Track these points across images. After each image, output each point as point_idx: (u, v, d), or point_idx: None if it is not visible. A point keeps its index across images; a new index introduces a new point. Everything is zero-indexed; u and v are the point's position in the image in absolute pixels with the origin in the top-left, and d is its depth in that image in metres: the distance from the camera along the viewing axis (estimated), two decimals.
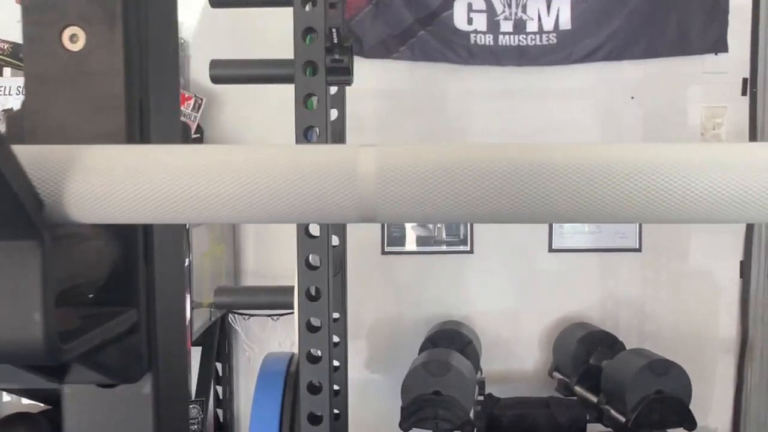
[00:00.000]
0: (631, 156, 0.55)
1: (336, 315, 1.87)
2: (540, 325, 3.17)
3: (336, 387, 1.87)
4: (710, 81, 3.06)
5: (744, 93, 3.06)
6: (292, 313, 2.77)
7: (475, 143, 0.61)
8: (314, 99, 1.43)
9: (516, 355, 3.18)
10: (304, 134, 1.43)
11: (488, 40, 3.05)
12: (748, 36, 3.04)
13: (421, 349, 2.85)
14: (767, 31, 3.05)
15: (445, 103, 3.10)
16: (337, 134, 1.81)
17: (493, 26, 3.05)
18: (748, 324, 3.12)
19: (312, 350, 1.50)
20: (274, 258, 3.13)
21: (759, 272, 3.09)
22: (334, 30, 1.35)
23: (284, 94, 3.05)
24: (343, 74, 1.42)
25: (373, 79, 3.09)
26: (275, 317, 2.92)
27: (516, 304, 3.17)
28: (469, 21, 3.05)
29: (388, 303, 3.15)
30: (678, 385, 2.43)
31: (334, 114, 1.81)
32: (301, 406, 1.50)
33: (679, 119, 3.09)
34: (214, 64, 1.76)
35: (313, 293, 1.48)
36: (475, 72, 3.07)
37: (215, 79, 1.80)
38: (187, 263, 2.37)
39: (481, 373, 3.00)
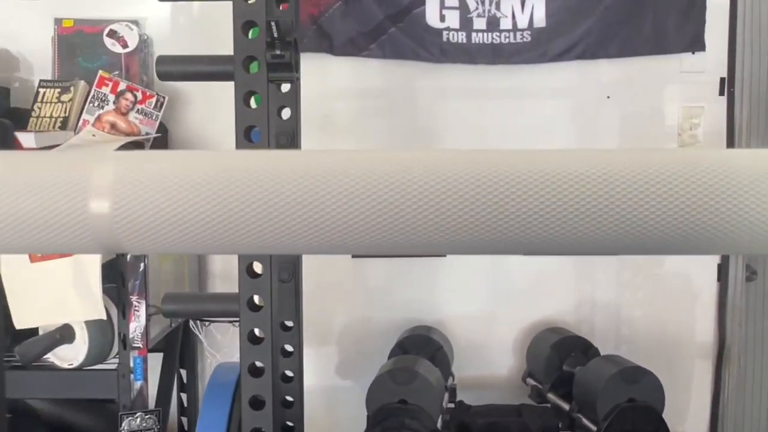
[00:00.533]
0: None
1: (290, 323, 1.79)
2: (514, 330, 3.10)
3: (290, 398, 1.79)
4: (687, 80, 3.00)
5: (722, 93, 3.00)
6: None
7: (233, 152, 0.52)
8: (256, 97, 1.34)
9: (490, 360, 3.11)
10: (245, 135, 1.35)
11: (461, 37, 2.98)
12: (725, 35, 2.98)
13: (391, 355, 2.78)
14: (745, 29, 2.99)
15: (417, 102, 3.03)
16: (290, 134, 1.73)
17: (466, 23, 2.98)
18: (726, 328, 3.06)
19: (255, 362, 1.41)
20: None
21: (736, 275, 3.03)
22: (273, 23, 1.27)
23: None
24: (285, 70, 1.34)
25: (343, 78, 3.02)
26: (236, 323, 2.82)
27: (489, 309, 3.10)
28: (442, 18, 2.97)
29: (359, 308, 3.07)
30: (651, 393, 2.36)
31: (287, 113, 1.73)
32: (243, 422, 1.42)
33: (655, 119, 3.03)
34: (161, 60, 1.68)
35: (256, 302, 1.40)
36: (448, 70, 2.99)
37: (161, 76, 1.72)
38: (142, 267, 2.28)
39: (453, 380, 2.93)
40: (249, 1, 1.33)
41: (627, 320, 3.09)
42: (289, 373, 1.80)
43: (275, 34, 1.28)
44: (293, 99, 1.72)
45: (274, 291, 1.40)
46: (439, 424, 2.43)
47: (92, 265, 2.11)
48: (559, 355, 2.76)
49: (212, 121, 3.00)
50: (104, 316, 2.13)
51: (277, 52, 1.30)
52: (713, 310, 3.07)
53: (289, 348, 1.80)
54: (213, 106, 2.99)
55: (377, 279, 3.07)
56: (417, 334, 2.84)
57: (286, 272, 1.79)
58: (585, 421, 2.44)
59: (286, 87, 1.74)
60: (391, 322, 3.02)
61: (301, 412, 1.85)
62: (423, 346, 2.77)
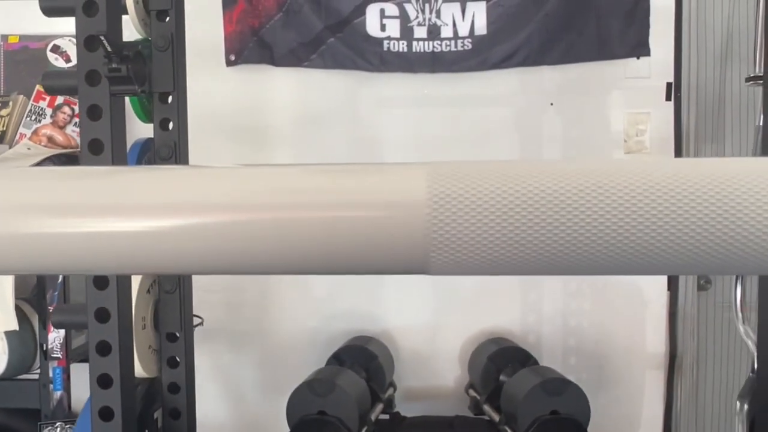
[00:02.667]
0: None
1: (176, 334, 1.79)
2: (461, 341, 3.06)
3: (177, 408, 1.80)
4: (633, 86, 2.95)
5: (668, 98, 2.95)
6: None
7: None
8: (100, 109, 1.36)
9: (436, 371, 3.08)
10: (89, 148, 1.36)
11: (402, 46, 2.97)
12: (671, 39, 2.93)
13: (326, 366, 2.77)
14: (691, 33, 2.93)
15: (358, 111, 3.02)
16: (171, 146, 1.74)
17: (407, 32, 2.97)
18: (677, 339, 2.99)
19: (104, 373, 1.42)
20: None
21: (687, 285, 2.96)
22: (102, 38, 1.28)
23: (199, 101, 2.99)
24: (124, 84, 1.34)
25: (284, 89, 3.03)
26: None
27: (435, 319, 3.07)
28: (382, 27, 2.97)
29: (303, 317, 3.07)
30: (574, 405, 2.31)
31: (171, 125, 1.74)
32: None
33: (601, 126, 2.98)
34: (47, 75, 1.70)
35: (103, 314, 1.41)
36: (389, 79, 2.98)
37: (48, 90, 1.74)
38: (60, 278, 2.31)
39: (394, 390, 2.92)
40: (91, 17, 1.34)
41: (575, 331, 3.04)
42: (176, 383, 1.81)
43: (108, 49, 1.29)
44: (174, 110, 1.73)
45: (120, 301, 1.41)
46: None
47: (5, 276, 2.14)
48: (496, 366, 2.73)
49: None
50: (16, 327, 2.15)
51: (114, 65, 1.31)
52: (664, 321, 3.00)
53: (176, 358, 1.80)
54: None
55: (322, 288, 3.07)
56: (354, 345, 2.83)
57: (170, 283, 1.80)
58: None
59: (170, 99, 1.75)
60: (335, 332, 3.01)
61: (192, 422, 1.85)
62: (358, 357, 2.75)
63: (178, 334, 1.80)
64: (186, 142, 1.84)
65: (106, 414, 1.41)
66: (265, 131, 3.03)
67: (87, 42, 1.36)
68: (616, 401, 3.04)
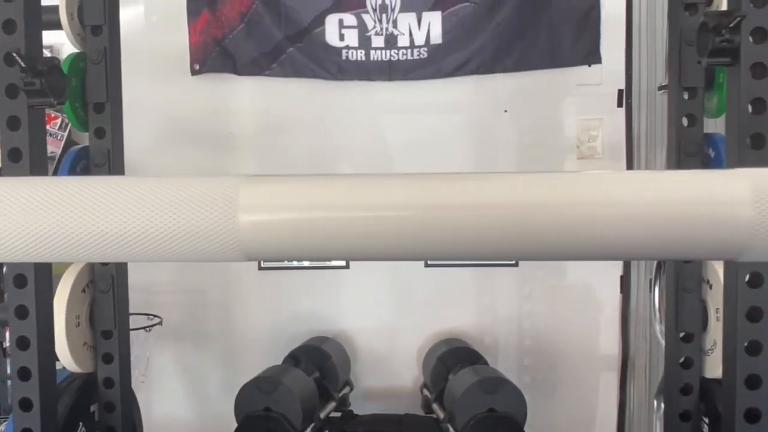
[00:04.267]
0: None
1: (110, 331, 1.89)
2: (418, 341, 3.13)
3: (112, 402, 1.89)
4: (585, 93, 3.02)
5: (619, 104, 3.01)
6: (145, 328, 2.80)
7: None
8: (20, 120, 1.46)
9: (394, 371, 3.15)
10: (8, 156, 1.46)
11: (360, 55, 3.06)
12: (622, 47, 2.99)
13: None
14: (641, 41, 2.99)
15: (317, 119, 3.11)
16: (104, 154, 1.84)
17: (365, 42, 3.06)
18: (629, 340, 3.04)
19: (24, 366, 1.52)
20: (157, 272, 3.18)
21: (638, 287, 3.02)
22: (15, 54, 1.38)
23: (165, 109, 3.08)
24: (40, 96, 1.45)
25: (246, 97, 3.13)
26: (148, 329, 2.94)
27: (393, 320, 3.15)
28: (341, 37, 3.07)
29: (265, 318, 3.16)
30: (510, 403, 2.38)
31: (103, 133, 1.84)
32: (15, 423, 1.52)
33: (554, 132, 3.05)
34: None
35: (23, 311, 1.50)
36: (347, 87, 3.07)
37: None
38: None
39: (351, 389, 3.00)
40: (9, 34, 1.44)
41: (530, 332, 3.10)
42: (111, 379, 1.90)
43: (22, 64, 1.39)
44: (108, 120, 1.83)
45: (37, 299, 1.50)
46: None
47: None
48: (446, 366, 2.80)
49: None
50: None
51: (29, 79, 1.41)
52: (617, 322, 3.06)
53: (111, 354, 1.90)
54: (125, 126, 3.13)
55: (283, 290, 3.16)
56: (310, 345, 2.91)
57: (104, 283, 1.90)
58: (451, 431, 2.47)
59: (105, 109, 1.85)
60: (296, 332, 3.09)
61: (127, 415, 1.94)
62: (313, 356, 2.83)
63: (112, 332, 1.89)
64: (121, 149, 1.94)
65: (25, 405, 1.51)
66: (228, 138, 3.12)
67: (6, 58, 1.47)
68: (570, 401, 3.09)
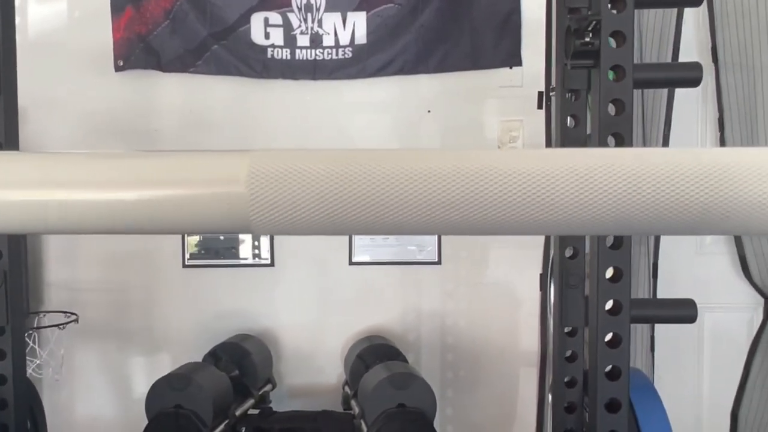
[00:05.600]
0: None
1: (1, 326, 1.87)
2: (343, 339, 3.16)
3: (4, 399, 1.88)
4: (506, 94, 3.07)
5: (540, 106, 3.06)
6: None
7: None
8: None
9: (319, 368, 3.17)
10: None
11: (285, 54, 3.08)
12: (542, 50, 3.06)
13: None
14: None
15: (242, 117, 3.12)
16: None
17: (290, 41, 3.07)
18: (548, 337, 3.10)
19: None
20: (80, 269, 3.15)
21: (556, 284, 3.08)
22: None
23: (89, 106, 3.05)
24: None
25: (171, 94, 3.12)
26: (62, 326, 2.91)
27: (318, 318, 3.17)
28: (267, 35, 3.08)
29: (189, 316, 3.15)
30: (420, 398, 2.41)
31: None
32: None
33: (476, 133, 3.10)
34: None
35: None
36: (272, 86, 3.08)
37: None
38: None
39: (273, 386, 3.01)
40: None
41: (452, 329, 3.15)
42: (4, 375, 1.89)
43: None
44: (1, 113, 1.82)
45: None
46: (221, 429, 2.50)
47: None
48: (365, 363, 2.82)
49: (50, 136, 3.09)
50: None
51: None
52: (537, 320, 3.12)
53: (3, 351, 1.88)
54: (49, 120, 3.10)
55: (207, 288, 3.15)
56: (231, 342, 2.91)
57: None
58: (364, 427, 2.50)
59: None
60: (220, 330, 3.09)
61: (21, 413, 1.93)
62: (233, 354, 2.84)
63: (5, 328, 1.88)
64: (15, 140, 1.93)
65: None
66: (153, 135, 3.11)
67: None
68: (492, 397, 3.15)
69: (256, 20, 3.07)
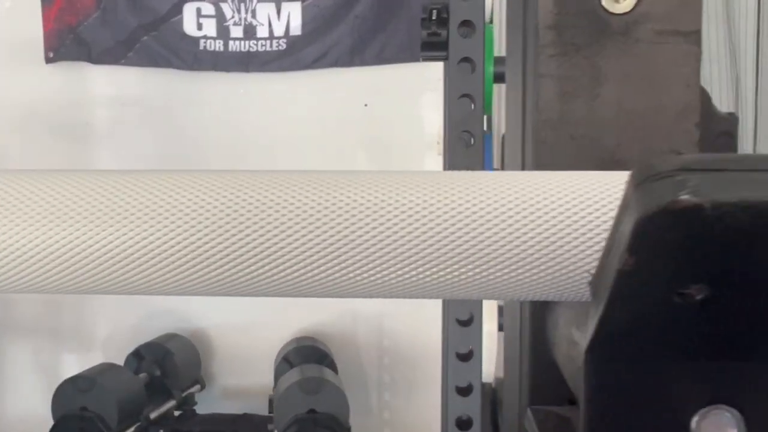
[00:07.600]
0: None
1: None
2: (278, 340, 3.07)
3: None
4: None
5: None
6: None
7: None
8: None
9: (253, 370, 3.08)
10: None
11: (218, 45, 2.99)
12: None
13: (125, 363, 2.78)
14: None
15: (174, 110, 3.04)
16: None
17: (223, 32, 2.98)
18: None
19: None
20: None
21: None
22: None
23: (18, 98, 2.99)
24: None
25: (102, 86, 3.05)
26: None
27: (253, 318, 3.08)
28: (199, 27, 2.99)
29: (121, 316, 3.08)
30: (332, 403, 2.33)
31: None
32: None
33: (414, 127, 2.99)
34: None
35: None
36: (204, 78, 3.00)
37: None
38: None
39: (201, 387, 2.94)
40: None
41: (389, 332, 3.06)
42: None
43: None
44: None
45: None
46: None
47: None
48: (291, 365, 2.74)
49: None
50: None
51: None
52: None
53: None
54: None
55: None
56: (154, 342, 2.84)
57: None
58: None
59: None
60: (150, 329, 3.02)
61: None
62: (156, 354, 2.77)
63: None
64: None
65: None
66: (84, 128, 3.04)
67: None
68: (428, 401, 3.04)
69: (189, 11, 2.98)
